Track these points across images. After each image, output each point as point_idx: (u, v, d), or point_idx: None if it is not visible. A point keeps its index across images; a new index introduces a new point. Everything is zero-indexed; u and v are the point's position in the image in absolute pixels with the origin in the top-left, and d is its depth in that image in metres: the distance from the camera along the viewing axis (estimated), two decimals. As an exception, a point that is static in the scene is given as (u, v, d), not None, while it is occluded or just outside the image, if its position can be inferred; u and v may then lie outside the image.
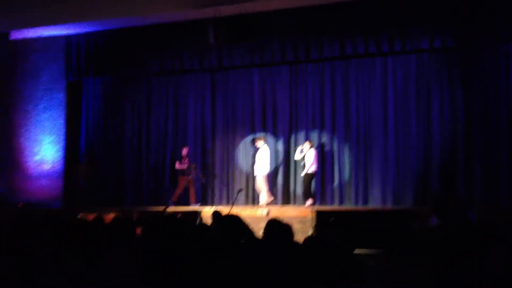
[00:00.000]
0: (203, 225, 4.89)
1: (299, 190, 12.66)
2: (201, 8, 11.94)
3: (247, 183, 13.13)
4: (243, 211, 11.20)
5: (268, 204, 12.16)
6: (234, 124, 13.77)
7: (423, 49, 12.03)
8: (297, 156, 12.41)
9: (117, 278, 2.85)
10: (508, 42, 11.53)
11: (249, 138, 13.44)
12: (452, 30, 11.53)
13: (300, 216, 10.93)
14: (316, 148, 12.63)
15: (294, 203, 12.78)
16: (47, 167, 14.64)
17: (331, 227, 5.85)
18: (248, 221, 3.96)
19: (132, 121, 14.58)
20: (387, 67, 12.59)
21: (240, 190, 12.35)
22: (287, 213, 11.17)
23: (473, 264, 2.88)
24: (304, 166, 12.29)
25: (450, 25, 11.50)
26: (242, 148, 13.53)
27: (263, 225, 4.20)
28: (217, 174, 13.75)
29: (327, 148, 12.93)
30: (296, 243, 4.86)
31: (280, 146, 13.23)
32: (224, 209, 10.18)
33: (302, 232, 9.97)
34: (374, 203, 12.29)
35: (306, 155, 12.18)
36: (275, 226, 4.05)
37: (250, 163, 12.83)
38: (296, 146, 12.68)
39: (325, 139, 12.98)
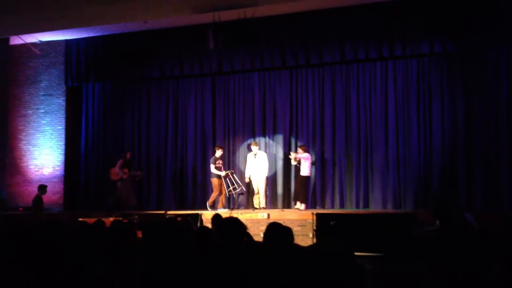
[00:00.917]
0: (204, 228, 4.89)
1: (297, 192, 12.59)
2: (201, 13, 11.96)
3: (248, 187, 13.12)
4: (244, 215, 11.23)
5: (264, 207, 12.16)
6: (235, 129, 13.78)
7: (423, 54, 12.07)
8: (293, 161, 12.43)
9: (118, 282, 2.86)
10: (508, 46, 11.54)
11: (249, 142, 13.43)
12: (452, 35, 11.56)
13: (300, 219, 10.96)
14: (313, 152, 12.66)
15: (294, 206, 12.77)
16: (47, 171, 14.66)
17: (332, 230, 5.85)
18: (248, 224, 3.97)
19: (132, 126, 14.59)
20: (387, 71, 12.60)
21: (241, 194, 12.36)
22: (288, 216, 11.19)
23: (472, 269, 2.89)
24: (298, 171, 12.29)
25: (450, 30, 11.53)
26: (243, 152, 13.52)
27: (263, 228, 4.20)
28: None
29: (328, 152, 12.92)
30: (296, 246, 4.87)
31: (280, 150, 13.24)
32: (225, 213, 10.23)
33: (302, 235, 10.03)
34: (375, 207, 12.28)
35: (301, 160, 12.18)
36: (276, 229, 4.05)
37: (251, 167, 12.77)
38: (296, 150, 12.66)
39: (326, 143, 12.97)
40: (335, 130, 12.93)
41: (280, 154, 13.21)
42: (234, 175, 12.71)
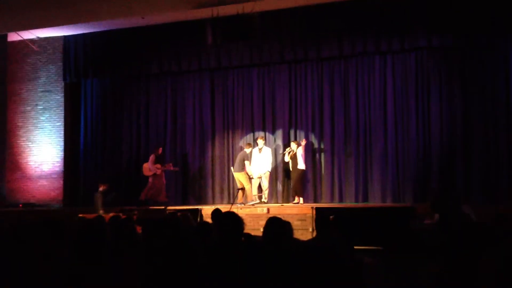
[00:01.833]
0: (203, 223, 4.91)
1: (295, 187, 12.58)
2: (199, 8, 11.95)
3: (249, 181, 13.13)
4: (244, 209, 11.25)
5: (255, 202, 12.14)
6: (233, 124, 13.78)
7: (421, 48, 12.07)
8: (287, 158, 12.43)
9: (119, 278, 2.87)
10: (506, 40, 11.56)
11: (249, 138, 13.45)
12: (451, 29, 11.57)
13: (300, 214, 10.99)
14: (307, 146, 12.69)
15: (293, 201, 12.79)
16: (46, 167, 14.68)
17: (331, 224, 5.87)
18: (248, 219, 3.99)
19: (130, 121, 14.58)
20: (386, 65, 12.60)
21: (240, 189, 12.37)
22: (287, 210, 11.22)
23: (470, 262, 2.90)
24: (294, 165, 12.31)
25: (448, 24, 11.54)
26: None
27: (263, 222, 4.22)
28: (216, 173, 13.77)
29: (327, 146, 12.94)
30: (296, 240, 4.89)
31: (280, 145, 13.25)
32: (224, 208, 10.23)
33: (301, 229, 10.06)
34: (374, 200, 12.31)
35: (296, 154, 12.20)
36: (275, 224, 4.07)
37: (255, 161, 12.75)
38: (290, 145, 12.65)
39: (324, 137, 12.99)
40: (334, 124, 12.94)
41: (280, 148, 13.22)
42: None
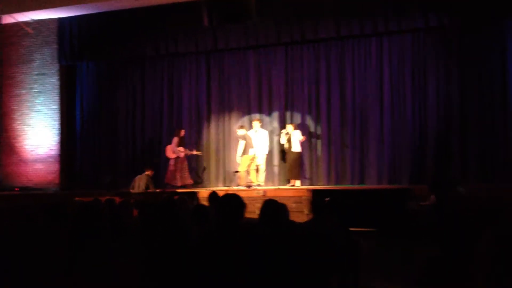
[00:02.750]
0: (200, 207, 4.92)
1: (291, 170, 12.58)
2: (195, -10, 11.86)
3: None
4: (240, 192, 11.26)
5: (250, 184, 12.15)
6: (230, 106, 13.76)
7: (418, 28, 12.03)
8: (283, 139, 12.43)
9: (115, 260, 2.88)
10: (503, 19, 11.53)
11: (245, 120, 13.44)
12: (447, 9, 11.52)
13: (295, 196, 11.01)
14: (303, 129, 12.71)
15: (288, 183, 12.81)
16: (42, 151, 14.65)
17: (327, 207, 5.89)
18: (244, 201, 3.98)
19: (127, 104, 14.54)
20: (382, 47, 12.57)
21: (236, 172, 12.39)
22: (283, 193, 11.24)
23: (466, 243, 2.91)
24: (289, 148, 12.31)
25: (445, 4, 11.48)
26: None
27: (259, 205, 4.22)
28: (212, 156, 13.78)
29: (323, 128, 12.94)
30: (292, 223, 4.91)
31: (276, 127, 13.24)
32: (220, 191, 10.25)
33: (297, 211, 10.08)
34: (370, 182, 12.35)
35: (292, 137, 12.20)
36: (271, 206, 4.08)
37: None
38: (285, 127, 12.64)
39: (321, 119, 12.98)
40: (330, 106, 12.93)
41: (276, 130, 13.21)
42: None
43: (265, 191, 11.46)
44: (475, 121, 11.72)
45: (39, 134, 14.72)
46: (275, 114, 13.34)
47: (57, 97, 14.65)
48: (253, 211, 4.45)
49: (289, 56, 13.32)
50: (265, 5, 12.20)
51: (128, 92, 14.56)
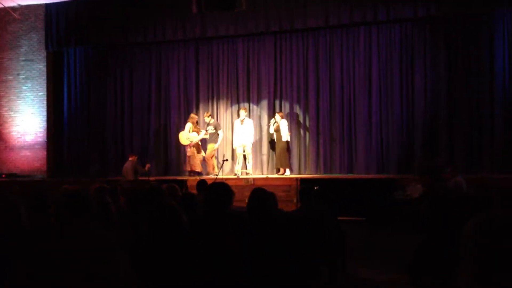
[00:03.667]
0: (189, 194, 4.90)
1: (280, 159, 12.58)
2: (183, -24, 11.75)
3: (232, 153, 13.16)
4: (228, 181, 11.25)
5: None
6: (218, 94, 13.72)
7: (407, 18, 12.05)
8: (271, 129, 12.44)
9: (103, 246, 2.85)
10: (489, 10, 11.58)
11: (234, 108, 13.42)
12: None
13: (284, 185, 11.04)
14: (292, 117, 12.75)
15: (278, 172, 12.83)
16: (29, 138, 14.54)
17: (315, 195, 5.90)
18: (233, 190, 3.97)
19: (115, 91, 14.44)
20: (371, 36, 12.59)
21: (225, 160, 12.39)
22: (272, 182, 11.25)
23: (453, 231, 2.92)
24: (278, 137, 12.32)
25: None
26: (228, 118, 13.52)
27: (247, 193, 4.22)
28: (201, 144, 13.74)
29: (312, 117, 12.94)
30: (280, 211, 4.91)
31: (264, 116, 13.23)
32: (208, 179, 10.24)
33: (286, 200, 10.11)
34: (358, 172, 12.40)
35: (280, 126, 12.21)
36: (260, 195, 4.07)
37: (237, 133, 12.74)
38: (274, 116, 12.64)
39: (309, 108, 12.99)
40: (319, 96, 12.94)
41: (265, 119, 13.20)
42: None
43: (253, 179, 11.47)
44: (462, 111, 11.79)
45: (26, 120, 14.60)
46: (264, 103, 13.32)
47: (44, 84, 14.53)
48: (242, 199, 4.45)
49: (278, 45, 13.30)
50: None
51: (116, 79, 14.46)
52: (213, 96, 13.77)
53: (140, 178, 11.99)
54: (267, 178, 11.89)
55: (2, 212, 2.93)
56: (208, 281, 3.32)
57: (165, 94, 14.11)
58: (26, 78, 14.66)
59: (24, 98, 14.65)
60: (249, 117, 13.06)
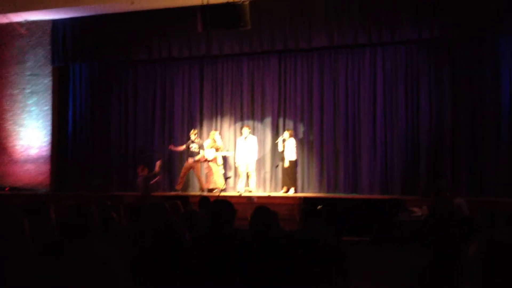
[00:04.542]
0: (191, 211, 4.88)
1: (286, 178, 12.56)
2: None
3: (235, 171, 13.14)
4: (231, 198, 11.22)
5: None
6: (222, 112, 13.74)
7: (411, 40, 12.09)
8: (280, 147, 12.43)
9: (104, 261, 2.83)
10: (495, 33, 11.61)
11: (237, 126, 13.42)
12: (440, 22, 11.58)
13: (287, 204, 10.99)
14: (300, 138, 12.77)
15: (282, 191, 12.79)
16: (33, 152, 14.57)
17: (319, 215, 5.87)
18: (235, 207, 3.95)
19: (119, 107, 14.49)
20: (376, 57, 12.62)
21: (228, 178, 12.36)
22: (275, 200, 11.22)
23: (457, 254, 2.90)
24: (284, 155, 12.31)
25: (438, 17, 11.56)
26: (231, 136, 13.53)
27: (250, 211, 4.20)
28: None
29: (316, 136, 12.93)
30: (283, 231, 4.88)
31: (268, 134, 13.23)
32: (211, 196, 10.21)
33: (289, 219, 10.05)
34: (362, 192, 12.34)
35: (287, 144, 12.20)
36: (262, 213, 4.05)
37: (241, 150, 12.75)
38: (283, 133, 12.66)
39: (314, 128, 12.98)
40: (323, 115, 12.94)
41: (268, 137, 13.20)
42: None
43: (256, 197, 11.43)
44: (467, 133, 11.78)
45: (31, 135, 14.64)
46: (268, 121, 13.33)
47: (50, 98, 14.59)
48: (244, 217, 4.42)
49: (283, 63, 13.35)
50: (260, 12, 12.22)
51: (120, 95, 14.51)
52: (217, 113, 13.79)
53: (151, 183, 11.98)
54: (269, 197, 11.85)
55: (5, 226, 2.92)
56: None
57: (169, 111, 14.14)
58: (32, 93, 14.73)
59: (29, 112, 14.71)
60: (253, 134, 13.08)
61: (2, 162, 14.75)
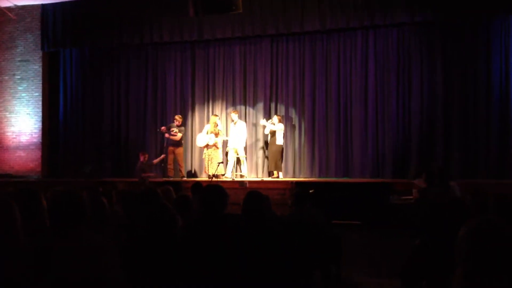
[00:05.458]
0: (183, 196, 4.88)
1: (273, 162, 12.55)
2: (180, -22, 11.75)
3: (226, 156, 13.14)
4: (223, 183, 11.24)
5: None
6: (214, 96, 13.71)
7: (403, 23, 12.07)
8: (267, 130, 12.43)
9: (96, 249, 2.84)
10: (487, 17, 11.61)
11: (229, 111, 13.40)
12: (433, 5, 11.55)
13: (279, 188, 11.03)
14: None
15: (272, 175, 12.82)
16: (24, 138, 14.50)
17: (310, 199, 5.90)
18: (228, 192, 3.96)
19: (111, 92, 14.42)
20: (368, 40, 12.60)
21: (220, 163, 12.36)
22: (267, 185, 11.25)
23: (449, 236, 2.93)
24: (273, 141, 12.31)
25: (429, 0, 11.52)
26: (222, 121, 13.51)
27: (242, 196, 4.21)
28: (196, 146, 13.72)
29: (307, 120, 12.95)
30: (275, 215, 4.90)
31: (260, 118, 13.22)
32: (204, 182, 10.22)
33: (281, 203, 10.10)
34: (353, 176, 12.40)
35: (276, 129, 12.20)
36: (254, 197, 4.06)
37: (230, 135, 12.77)
38: (271, 118, 12.66)
39: (306, 112, 12.99)
40: (315, 99, 12.94)
41: (260, 122, 13.20)
42: None
43: (248, 182, 11.46)
44: (458, 117, 11.82)
45: (21, 121, 14.56)
46: (260, 106, 13.33)
47: (40, 84, 14.49)
48: (236, 202, 4.44)
49: (275, 48, 13.32)
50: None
51: (112, 81, 14.43)
52: (209, 98, 13.76)
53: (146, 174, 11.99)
54: (262, 181, 11.88)
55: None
56: (202, 283, 3.31)
57: (161, 96, 14.10)
58: (22, 79, 14.62)
59: (19, 98, 14.61)
60: (245, 120, 13.08)
61: (-8, 149, 14.69)
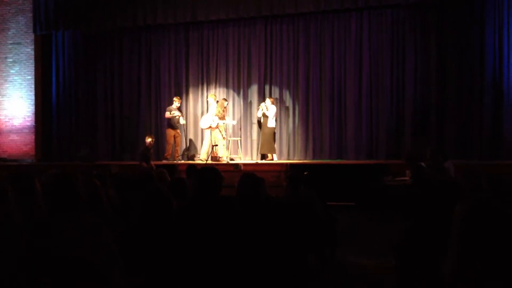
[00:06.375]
0: (178, 179, 4.89)
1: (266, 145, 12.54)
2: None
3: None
4: (218, 166, 11.25)
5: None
6: (208, 79, 13.66)
7: (398, 4, 12.01)
8: (259, 113, 12.39)
9: (92, 231, 2.84)
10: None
11: (222, 93, 13.36)
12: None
13: (274, 170, 11.05)
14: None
15: (266, 158, 12.83)
16: (18, 122, 14.43)
17: (305, 181, 5.91)
18: (222, 175, 3.96)
19: (104, 75, 14.34)
20: (362, 21, 12.55)
21: (215, 145, 12.36)
22: (261, 167, 11.26)
23: (442, 217, 2.95)
24: (265, 123, 12.27)
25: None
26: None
27: (237, 179, 4.21)
28: (190, 129, 13.71)
29: (302, 103, 12.93)
30: (270, 196, 4.92)
31: (255, 100, 13.20)
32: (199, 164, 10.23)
33: (275, 185, 10.13)
34: (347, 158, 12.42)
35: (269, 111, 12.16)
36: (249, 180, 4.07)
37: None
38: (264, 101, 12.63)
39: (300, 94, 12.97)
40: (309, 81, 12.92)
41: (255, 104, 13.18)
42: None
43: (243, 165, 11.47)
44: (452, 98, 11.84)
45: (14, 104, 14.48)
46: (254, 88, 13.30)
47: (32, 67, 14.39)
48: (231, 185, 4.44)
49: (269, 29, 13.25)
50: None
51: (105, 63, 14.34)
52: (203, 80, 13.71)
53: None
54: (256, 164, 11.90)
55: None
56: (197, 266, 3.33)
57: (155, 78, 14.03)
58: (14, 62, 14.51)
59: (12, 82, 14.52)
60: (240, 102, 13.08)
61: (-15, 133, 14.63)
